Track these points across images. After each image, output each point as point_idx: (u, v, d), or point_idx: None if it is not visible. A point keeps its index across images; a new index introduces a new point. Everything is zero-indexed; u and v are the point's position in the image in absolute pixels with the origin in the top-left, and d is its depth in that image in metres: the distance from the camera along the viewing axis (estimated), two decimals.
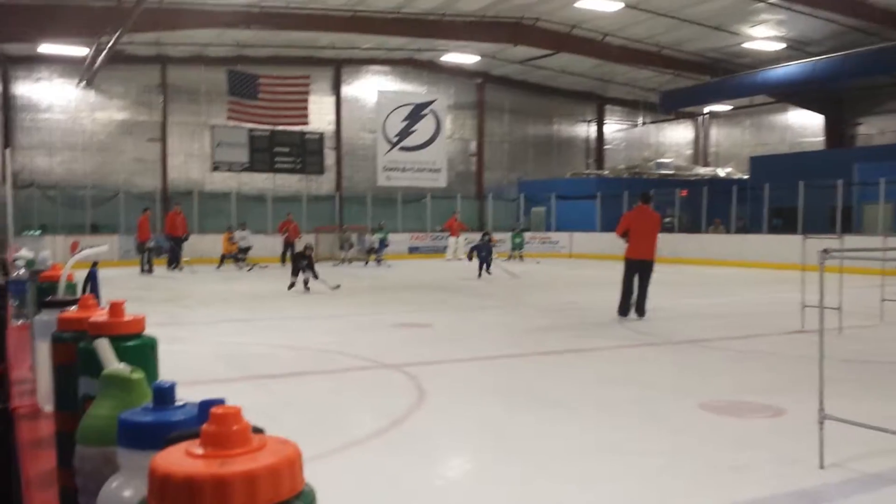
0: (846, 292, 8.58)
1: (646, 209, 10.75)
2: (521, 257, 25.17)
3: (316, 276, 13.82)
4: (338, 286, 14.02)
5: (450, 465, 4.56)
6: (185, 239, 20.64)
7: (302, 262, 14.07)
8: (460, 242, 25.51)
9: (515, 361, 7.42)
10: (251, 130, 26.71)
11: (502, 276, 17.54)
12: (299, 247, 16.02)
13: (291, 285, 14.12)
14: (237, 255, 21.43)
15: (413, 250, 27.44)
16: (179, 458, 0.51)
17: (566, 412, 5.45)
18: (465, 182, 31.42)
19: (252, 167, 27.24)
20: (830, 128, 30.18)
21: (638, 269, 10.42)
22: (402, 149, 29.60)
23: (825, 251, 4.44)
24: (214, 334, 9.37)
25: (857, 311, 9.42)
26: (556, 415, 5.37)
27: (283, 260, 22.67)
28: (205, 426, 0.54)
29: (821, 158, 26.57)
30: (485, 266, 17.72)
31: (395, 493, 3.85)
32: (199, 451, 0.52)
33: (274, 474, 0.49)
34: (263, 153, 27.31)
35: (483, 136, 31.86)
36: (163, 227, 21.16)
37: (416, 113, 29.77)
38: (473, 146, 31.87)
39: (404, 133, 29.61)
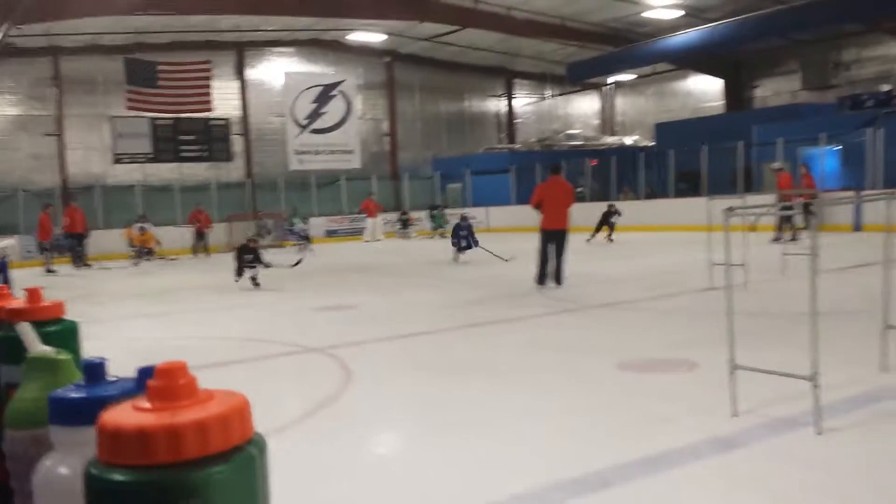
0: (750, 249, 8.99)
1: (557, 180, 10.97)
2: (442, 235, 25.31)
3: (267, 266, 12.27)
4: (298, 262, 13.72)
5: (381, 441, 4.59)
6: (87, 236, 19.82)
7: (246, 258, 12.09)
8: (378, 223, 25.46)
9: (441, 336, 7.49)
10: (153, 120, 25.77)
11: (432, 253, 17.61)
12: (242, 239, 14.15)
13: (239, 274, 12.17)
14: (141, 249, 20.67)
15: (331, 234, 27.21)
16: (128, 414, 0.52)
17: (494, 380, 5.56)
18: (380, 162, 31.26)
19: (156, 157, 26.31)
20: (729, 92, 31.36)
21: (553, 239, 10.65)
22: (314, 131, 29.16)
23: (729, 210, 4.64)
24: (130, 330, 9.09)
25: (761, 266, 9.89)
26: (484, 384, 5.47)
27: (194, 251, 22.11)
28: (151, 382, 0.55)
29: (721, 122, 27.59)
30: (465, 246, 15.30)
31: (327, 474, 3.86)
32: (147, 405, 0.53)
33: (224, 422, 0.50)
34: (167, 142, 26.39)
35: (395, 115, 31.71)
36: (62, 225, 20.20)
37: (325, 94, 29.35)
38: (386, 126, 31.70)
39: (314, 115, 29.16)
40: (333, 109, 29.50)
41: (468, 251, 15.23)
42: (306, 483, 3.73)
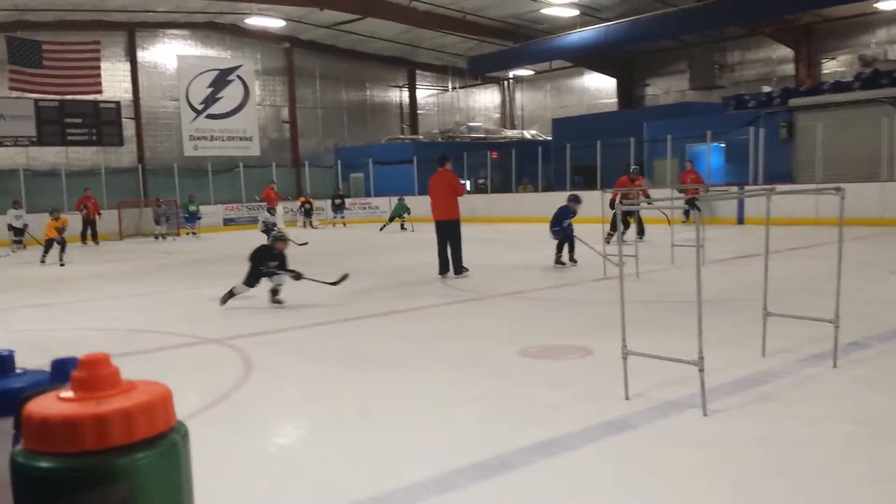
0: (642, 241, 9.38)
1: (441, 171, 11.05)
2: (344, 224, 25.18)
3: (297, 277, 8.68)
4: (343, 278, 9.06)
5: (282, 431, 4.55)
6: None
7: (269, 265, 8.63)
8: (279, 212, 25.00)
9: (343, 325, 7.46)
10: (38, 101, 24.34)
11: (337, 243, 17.43)
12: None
13: (226, 298, 8.64)
14: (15, 238, 19.50)
15: (228, 222, 26.52)
16: (53, 404, 0.52)
17: (397, 369, 5.59)
18: (280, 150, 30.67)
19: (41, 140, 24.86)
20: (622, 90, 32.48)
21: (443, 230, 10.76)
22: (209, 117, 28.31)
23: (620, 202, 4.83)
24: (14, 321, 8.61)
25: (651, 257, 10.33)
26: (386, 373, 5.50)
27: (83, 239, 21.09)
28: (75, 373, 0.54)
29: (615, 119, 28.53)
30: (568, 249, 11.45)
31: (227, 464, 3.80)
32: (72, 395, 0.53)
33: (149, 410, 0.51)
34: (53, 125, 24.98)
35: (295, 102, 31.16)
36: None
37: (222, 79, 28.52)
38: (286, 113, 31.11)
39: (210, 100, 28.30)
40: (230, 95, 28.71)
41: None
42: (207, 474, 3.65)
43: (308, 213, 24.93)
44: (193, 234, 22.83)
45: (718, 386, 4.57)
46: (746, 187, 17.88)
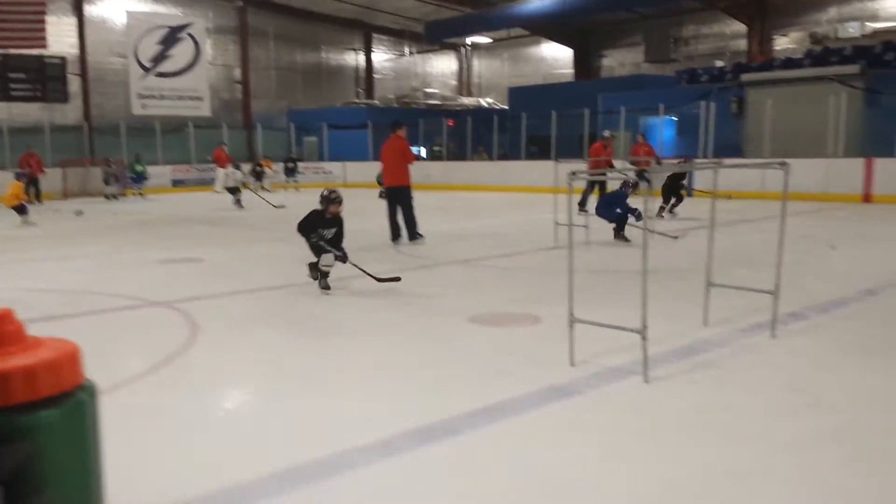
0: (592, 211, 9.48)
1: (393, 137, 10.98)
2: (297, 188, 24.87)
3: (345, 259, 7.26)
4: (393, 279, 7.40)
5: (230, 396, 4.52)
6: None
7: (325, 234, 7.16)
8: (229, 174, 24.55)
9: (292, 291, 7.41)
10: None
11: (270, 206, 17.21)
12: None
13: (323, 280, 7.09)
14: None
15: (177, 183, 25.98)
16: None
17: (345, 336, 5.58)
18: (232, 111, 30.06)
19: None
20: (578, 60, 32.54)
21: (393, 196, 10.74)
22: (159, 75, 27.55)
23: (572, 174, 4.86)
24: None
25: (601, 227, 10.45)
26: (335, 339, 5.49)
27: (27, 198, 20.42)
28: None
29: (570, 89, 28.63)
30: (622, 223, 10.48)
31: (171, 429, 3.76)
32: None
33: (54, 368, 0.49)
34: None
35: (248, 62, 30.51)
36: None
37: (172, 36, 27.72)
38: (238, 73, 30.45)
39: (160, 58, 27.51)
40: (181, 53, 27.93)
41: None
42: (151, 438, 3.62)
43: (259, 177, 24.51)
44: (140, 195, 22.32)
45: (661, 354, 4.67)
46: (696, 160, 18.16)
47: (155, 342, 5.50)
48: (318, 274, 7.19)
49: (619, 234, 10.47)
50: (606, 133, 16.22)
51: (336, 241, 7.23)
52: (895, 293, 6.84)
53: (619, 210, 10.44)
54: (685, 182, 14.48)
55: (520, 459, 3.31)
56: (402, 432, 3.60)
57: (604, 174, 13.87)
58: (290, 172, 25.94)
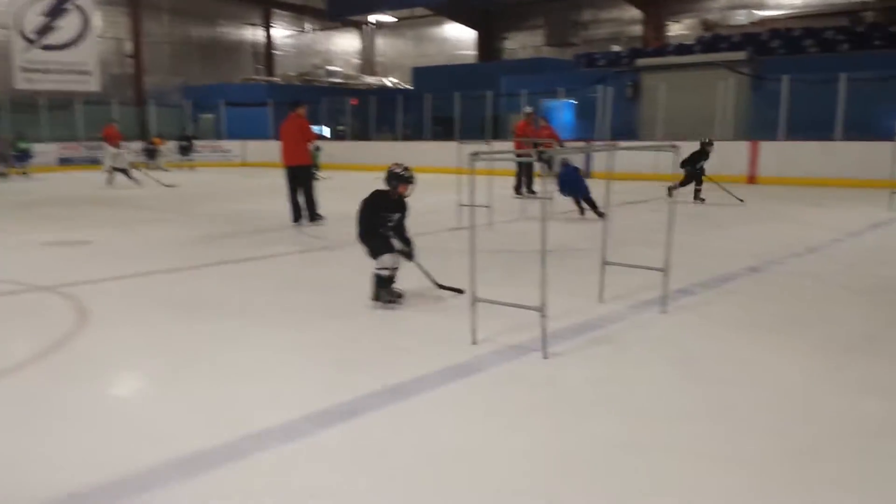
0: (495, 192, 9.60)
1: (293, 116, 10.80)
2: (192, 167, 24.06)
3: (411, 256, 6.05)
4: (449, 288, 6.12)
5: (123, 383, 4.35)
6: None
7: (390, 219, 5.84)
8: (120, 153, 23.48)
9: (190, 274, 7.19)
10: None
11: (166, 187, 16.62)
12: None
13: (386, 294, 5.55)
14: None
15: (64, 162, 24.62)
16: None
17: (246, 319, 5.46)
18: (123, 86, 28.72)
19: None
20: (482, 42, 32.76)
21: (293, 176, 10.58)
22: (45, 48, 25.99)
23: (474, 155, 4.90)
24: None
25: (504, 208, 10.61)
26: (234, 322, 5.36)
27: None
28: None
29: (473, 71, 28.79)
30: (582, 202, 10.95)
31: (60, 418, 3.60)
32: None
33: None
34: None
35: (140, 35, 29.18)
36: None
37: (58, 7, 26.17)
38: (129, 47, 29.08)
39: (45, 30, 25.94)
40: (68, 25, 26.41)
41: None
42: (38, 428, 3.45)
43: (151, 155, 23.53)
44: (24, 174, 21.06)
45: (559, 330, 4.80)
46: (594, 143, 18.66)
47: (40, 328, 5.23)
48: (385, 290, 5.72)
49: (594, 210, 10.60)
50: (528, 109, 15.90)
51: (399, 231, 5.95)
52: (777, 270, 7.26)
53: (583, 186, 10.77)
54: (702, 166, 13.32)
55: (420, 438, 3.35)
56: (304, 415, 3.57)
57: (529, 155, 13.79)
58: (184, 151, 25.03)
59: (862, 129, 16.52)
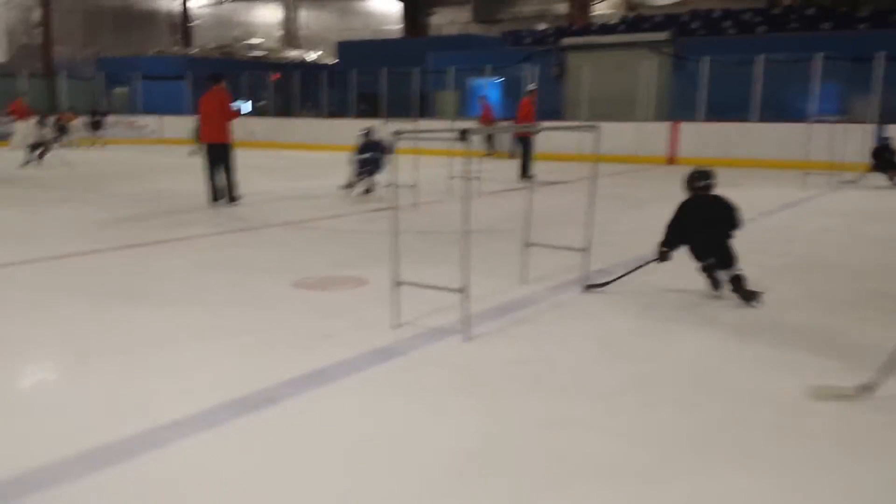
0: (421, 172, 9.53)
1: (214, 89, 10.43)
2: (103, 144, 23.07)
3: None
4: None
5: (28, 374, 4.12)
6: None
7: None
8: (29, 127, 22.32)
9: (100, 257, 6.89)
10: None
11: (73, 165, 15.92)
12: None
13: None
14: None
15: None
16: None
17: (159, 305, 5.27)
18: (30, 58, 27.31)
19: None
20: (408, 16, 32.44)
21: (213, 154, 10.23)
22: None
23: (397, 133, 4.83)
24: None
25: (430, 188, 10.55)
26: (147, 309, 5.16)
27: None
28: None
29: (400, 46, 28.50)
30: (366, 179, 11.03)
31: None
32: None
33: None
34: None
35: (49, 3, 27.73)
36: None
37: None
38: (38, 15, 27.61)
39: None
40: None
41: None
42: None
43: (63, 131, 22.46)
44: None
45: (481, 312, 4.80)
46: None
47: None
48: (743, 289, 5.22)
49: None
50: (532, 86, 15.41)
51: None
52: None
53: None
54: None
55: (340, 424, 3.29)
56: (221, 403, 3.47)
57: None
58: (95, 126, 23.94)
59: (777, 110, 17.10)
